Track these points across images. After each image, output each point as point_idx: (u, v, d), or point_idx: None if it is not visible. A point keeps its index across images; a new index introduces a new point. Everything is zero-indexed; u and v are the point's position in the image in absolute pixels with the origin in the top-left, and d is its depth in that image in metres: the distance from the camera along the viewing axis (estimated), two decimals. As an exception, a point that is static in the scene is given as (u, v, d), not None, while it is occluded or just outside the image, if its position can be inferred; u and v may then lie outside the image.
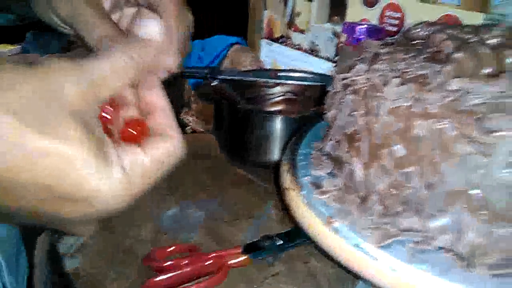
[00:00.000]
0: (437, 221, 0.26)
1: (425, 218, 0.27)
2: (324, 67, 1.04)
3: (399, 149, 0.27)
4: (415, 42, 0.36)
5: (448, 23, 0.76)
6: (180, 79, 1.01)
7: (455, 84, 0.26)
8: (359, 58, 0.34)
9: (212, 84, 0.63)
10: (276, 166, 0.41)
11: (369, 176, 0.30)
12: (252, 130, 0.69)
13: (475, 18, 0.73)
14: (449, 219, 0.26)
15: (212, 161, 0.72)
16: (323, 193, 0.32)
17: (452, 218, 0.26)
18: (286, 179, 0.36)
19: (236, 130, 0.72)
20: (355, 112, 0.31)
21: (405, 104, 0.27)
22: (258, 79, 0.78)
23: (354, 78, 0.31)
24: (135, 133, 0.23)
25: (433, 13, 0.79)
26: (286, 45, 1.17)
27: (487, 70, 0.28)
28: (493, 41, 0.31)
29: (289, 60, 1.17)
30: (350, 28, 0.85)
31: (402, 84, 0.28)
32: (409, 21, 0.83)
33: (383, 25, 0.88)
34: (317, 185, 0.34)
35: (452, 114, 0.25)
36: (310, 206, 0.32)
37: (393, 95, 0.28)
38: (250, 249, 0.42)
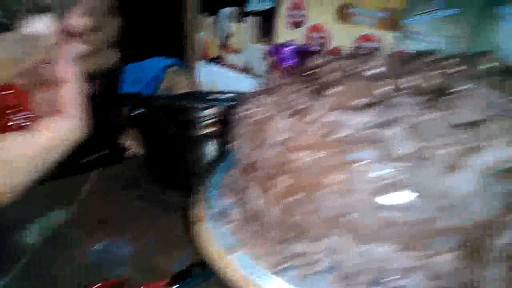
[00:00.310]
0: (322, 244, 0.28)
1: (312, 242, 0.29)
2: (258, 84, 1.06)
3: (286, 179, 0.29)
4: (312, 72, 0.38)
5: (366, 42, 0.81)
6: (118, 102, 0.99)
7: (329, 117, 0.28)
8: (258, 90, 0.36)
9: (131, 114, 0.63)
10: (190, 195, 0.42)
11: (265, 204, 0.31)
12: (182, 155, 0.70)
13: (390, 36, 0.79)
14: (331, 242, 0.28)
15: (144, 189, 0.71)
16: (227, 223, 0.33)
17: (334, 241, 0.28)
18: (196, 209, 0.37)
19: (166, 156, 0.72)
20: (251, 144, 0.32)
21: (289, 136, 0.29)
22: (187, 103, 0.79)
23: (249, 111, 0.33)
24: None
25: (352, 33, 0.84)
26: (222, 65, 1.19)
27: (361, 101, 0.30)
28: (373, 71, 0.34)
29: (226, 80, 1.18)
30: (277, 49, 0.88)
31: (288, 117, 0.30)
32: (332, 41, 0.88)
33: (309, 45, 0.92)
34: (222, 215, 0.35)
35: (325, 145, 0.27)
36: (214, 236, 0.33)
37: (279, 129, 0.30)
38: (178, 279, 0.42)
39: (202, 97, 0.83)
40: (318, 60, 0.39)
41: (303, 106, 0.31)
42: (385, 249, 0.27)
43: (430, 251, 0.26)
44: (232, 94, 0.89)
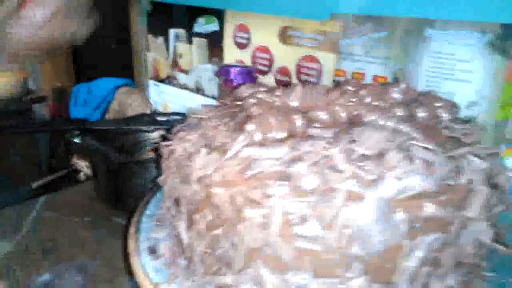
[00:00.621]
0: (245, 276, 0.29)
1: (236, 274, 0.30)
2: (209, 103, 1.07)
3: (208, 214, 0.30)
4: (237, 104, 0.39)
5: (309, 62, 0.84)
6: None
7: (246, 152, 0.30)
8: (184, 125, 0.37)
9: (73, 142, 0.62)
10: (126, 227, 0.42)
11: (191, 239, 0.32)
12: (127, 180, 0.69)
13: (329, 58, 0.82)
14: (254, 273, 0.29)
15: (92, 215, 0.70)
16: (157, 257, 0.33)
17: (256, 271, 0.29)
18: (129, 244, 0.37)
19: (112, 181, 0.71)
20: (176, 179, 0.33)
21: (208, 172, 0.30)
22: (131, 126, 0.78)
23: (175, 146, 0.34)
24: None
25: (296, 54, 0.87)
26: (173, 85, 1.19)
27: (278, 135, 0.32)
28: (293, 104, 0.36)
29: (177, 100, 1.19)
30: (225, 70, 0.90)
31: (209, 153, 0.31)
32: (277, 62, 0.91)
33: (255, 65, 0.94)
34: (153, 249, 0.35)
35: (242, 181, 0.29)
36: (145, 271, 0.33)
37: (200, 165, 0.31)
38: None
39: (149, 120, 0.83)
40: (244, 91, 0.41)
41: (223, 142, 0.32)
42: (302, 277, 0.28)
43: (343, 277, 0.28)
44: (180, 116, 0.89)
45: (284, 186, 0.27)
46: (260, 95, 0.38)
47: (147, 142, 0.80)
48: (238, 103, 0.39)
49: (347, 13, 0.77)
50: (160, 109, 1.23)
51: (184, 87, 1.16)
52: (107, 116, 1.27)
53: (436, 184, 0.27)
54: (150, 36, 1.21)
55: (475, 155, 0.30)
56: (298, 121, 0.33)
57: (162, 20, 1.17)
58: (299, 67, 0.88)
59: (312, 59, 0.85)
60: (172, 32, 1.14)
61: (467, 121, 0.36)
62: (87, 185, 0.78)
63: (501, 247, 0.33)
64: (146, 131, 0.80)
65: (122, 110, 1.26)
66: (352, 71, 0.80)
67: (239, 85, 0.85)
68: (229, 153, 0.30)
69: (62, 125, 0.76)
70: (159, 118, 0.87)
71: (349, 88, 0.39)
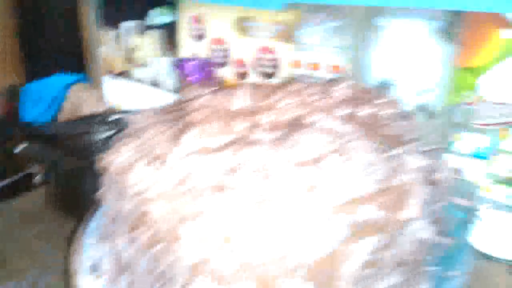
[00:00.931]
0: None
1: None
2: (169, 99, 1.05)
3: (145, 231, 0.29)
4: (181, 108, 0.38)
5: (266, 53, 0.83)
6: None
7: (184, 163, 0.29)
8: (122, 134, 0.36)
9: (15, 152, 0.59)
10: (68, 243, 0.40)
11: (131, 256, 0.31)
12: (80, 185, 0.66)
13: (286, 48, 0.81)
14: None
15: (45, 223, 0.66)
16: (98, 277, 0.32)
17: (198, 286, 0.28)
18: (71, 261, 0.36)
19: (64, 187, 0.68)
20: (114, 193, 0.32)
21: (144, 187, 0.29)
22: (82, 129, 0.75)
23: (112, 158, 0.32)
24: None
25: (252, 45, 0.85)
26: (129, 80, 1.15)
27: (219, 141, 0.31)
28: (237, 106, 0.35)
29: (135, 95, 1.15)
30: (180, 64, 0.87)
31: (145, 166, 0.30)
32: (234, 53, 0.89)
33: (212, 57, 0.92)
34: (94, 267, 0.34)
35: (179, 195, 0.27)
36: (87, 290, 0.32)
37: (136, 179, 0.29)
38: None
39: (101, 120, 0.79)
40: (188, 94, 0.39)
41: (162, 152, 0.31)
42: (246, 289, 0.27)
43: (287, 286, 0.27)
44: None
45: (221, 199, 0.26)
46: (203, 98, 0.36)
47: (99, 144, 0.77)
48: (181, 106, 0.37)
49: (302, 2, 0.76)
50: (117, 106, 1.19)
51: (140, 81, 1.13)
52: (61, 115, 1.22)
53: (374, 186, 0.27)
54: (101, 29, 1.16)
55: (414, 153, 0.30)
56: (240, 126, 0.33)
57: (113, 12, 1.12)
58: (256, 59, 0.86)
59: (269, 50, 0.84)
60: (124, 24, 1.10)
61: (407, 115, 0.36)
62: (39, 192, 0.74)
63: (444, 240, 0.34)
64: (97, 132, 0.76)
65: (77, 108, 1.21)
66: (308, 61, 0.80)
67: (197, 78, 0.83)
68: (166, 166, 0.29)
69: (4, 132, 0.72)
70: (112, 117, 0.84)
71: (295, 87, 0.39)
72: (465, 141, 0.66)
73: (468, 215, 0.58)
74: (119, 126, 0.78)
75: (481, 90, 0.61)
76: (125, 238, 0.31)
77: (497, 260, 0.53)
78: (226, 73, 0.90)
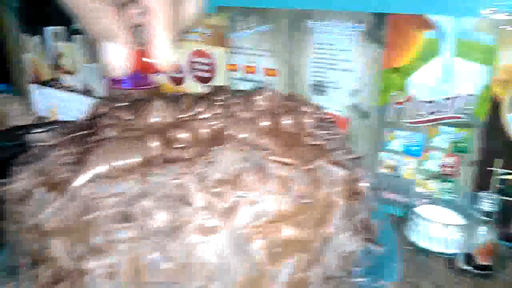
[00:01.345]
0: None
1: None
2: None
3: (47, 267, 0.26)
4: (89, 126, 0.35)
5: (200, 57, 0.80)
6: None
7: (87, 190, 0.26)
8: (25, 156, 0.32)
9: None
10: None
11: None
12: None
13: (220, 52, 0.79)
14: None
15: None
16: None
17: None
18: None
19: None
20: (11, 225, 0.28)
21: (43, 218, 0.25)
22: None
23: (7, 186, 0.28)
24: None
25: (185, 49, 0.83)
26: (57, 88, 1.08)
27: (127, 164, 0.28)
28: (150, 122, 0.32)
29: (66, 103, 1.08)
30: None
31: (46, 192, 0.27)
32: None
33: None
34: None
35: (78, 227, 0.25)
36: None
37: (34, 208, 0.26)
38: None
39: (21, 134, 0.73)
40: (100, 108, 0.36)
41: (63, 177, 0.28)
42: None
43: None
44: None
45: (129, 229, 0.24)
46: (117, 113, 0.33)
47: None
48: (91, 122, 0.34)
49: (232, 6, 0.74)
50: (48, 115, 1.11)
51: (71, 89, 1.06)
52: (-16, 129, 1.12)
53: (293, 203, 0.26)
54: (24, 35, 1.08)
55: (335, 164, 0.29)
56: (155, 143, 0.30)
57: (35, 16, 1.05)
58: (190, 63, 0.84)
59: (203, 54, 0.82)
60: (48, 30, 1.03)
61: (331, 121, 0.35)
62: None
63: (373, 247, 0.33)
64: (20, 145, 0.70)
65: (1, 120, 1.12)
66: (243, 65, 0.79)
67: (128, 85, 0.79)
68: (67, 194, 0.26)
69: None
70: (35, 130, 0.78)
71: (218, 97, 0.37)
72: (397, 139, 0.67)
73: (406, 211, 0.59)
74: (24, 145, 0.72)
75: (410, 89, 0.63)
76: (27, 275, 0.27)
77: (436, 254, 0.54)
78: (161, 79, 0.86)
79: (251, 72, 0.78)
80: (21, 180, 0.28)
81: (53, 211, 0.25)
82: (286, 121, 0.33)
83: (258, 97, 0.35)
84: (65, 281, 0.25)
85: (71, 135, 0.33)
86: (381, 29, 0.62)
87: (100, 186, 0.26)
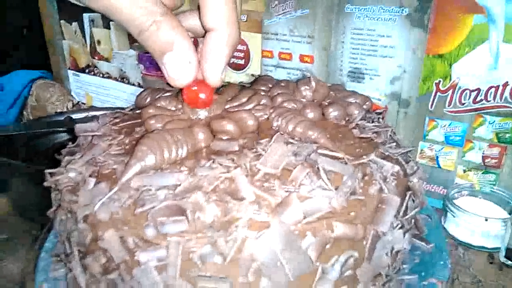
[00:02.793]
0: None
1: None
2: (137, 93, 1.01)
3: (99, 257, 0.26)
4: (136, 116, 0.35)
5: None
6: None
7: (136, 182, 0.26)
8: (74, 145, 0.32)
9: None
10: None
11: (88, 282, 0.28)
12: (43, 189, 0.62)
13: (255, 38, 0.78)
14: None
15: (9, 231, 0.63)
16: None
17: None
18: (27, 283, 0.33)
19: (26, 192, 0.64)
20: (65, 214, 0.29)
21: (95, 209, 0.26)
22: (41, 129, 0.70)
23: (58, 176, 0.29)
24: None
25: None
26: (94, 74, 1.10)
27: (177, 155, 0.28)
28: (196, 115, 0.32)
29: (102, 90, 1.10)
30: (146, 57, 0.83)
31: (96, 184, 0.27)
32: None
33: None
34: (50, 292, 0.31)
35: (131, 219, 0.25)
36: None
37: (86, 199, 0.26)
38: None
39: (63, 120, 0.75)
40: (144, 98, 0.36)
41: (114, 168, 0.28)
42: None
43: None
44: (102, 112, 0.82)
45: (180, 222, 0.24)
46: (161, 103, 0.33)
47: (61, 145, 0.72)
48: (138, 112, 0.34)
49: (269, -10, 0.73)
50: (84, 101, 1.14)
51: (106, 75, 1.08)
52: (24, 114, 1.17)
53: (344, 199, 0.25)
54: (63, 22, 1.10)
55: (386, 158, 0.28)
56: (200, 135, 0.30)
57: (73, 3, 1.06)
58: (225, 49, 0.83)
59: (237, 40, 0.81)
60: (86, 16, 1.04)
61: (379, 113, 0.34)
62: (2, 199, 0.70)
63: (422, 244, 0.32)
64: (58, 132, 0.72)
65: (41, 106, 1.15)
66: (278, 51, 0.77)
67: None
68: (118, 184, 0.26)
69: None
70: (75, 116, 0.80)
71: (261, 87, 0.36)
72: (438, 129, 0.65)
73: (445, 204, 0.58)
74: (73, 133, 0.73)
75: (454, 77, 0.60)
76: (79, 263, 0.28)
77: (476, 248, 0.53)
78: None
79: (286, 59, 0.77)
80: (73, 170, 0.29)
81: (106, 202, 0.26)
82: (333, 113, 0.32)
83: (303, 88, 0.34)
84: (116, 271, 0.26)
85: (118, 125, 0.33)
86: (426, 13, 0.60)
87: (150, 178, 0.26)
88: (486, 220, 0.52)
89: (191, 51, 0.26)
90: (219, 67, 0.27)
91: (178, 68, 0.26)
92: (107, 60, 1.06)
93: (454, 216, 0.56)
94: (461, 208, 0.55)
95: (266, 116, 0.32)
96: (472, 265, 0.51)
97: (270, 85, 0.36)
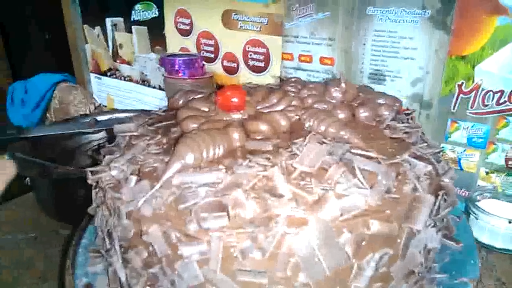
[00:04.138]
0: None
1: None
2: (158, 96, 1.03)
3: (142, 251, 0.27)
4: (171, 117, 0.36)
5: (254, 46, 0.81)
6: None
7: (177, 180, 0.27)
8: (112, 145, 0.34)
9: (7, 158, 0.57)
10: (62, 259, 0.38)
11: (128, 276, 0.29)
12: (70, 189, 0.64)
13: (275, 41, 0.79)
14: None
15: (37, 229, 0.64)
16: (94, 296, 0.30)
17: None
18: (65, 279, 0.34)
19: (53, 192, 0.66)
20: (106, 210, 0.30)
21: (139, 205, 0.27)
22: (67, 130, 0.72)
23: (100, 174, 0.30)
24: None
25: (241, 39, 0.83)
26: (116, 77, 1.12)
27: (214, 154, 0.29)
28: (230, 117, 0.33)
29: (123, 93, 1.12)
30: (168, 61, 0.85)
31: (138, 181, 0.28)
32: (222, 47, 0.87)
33: (201, 52, 0.90)
34: (89, 285, 0.32)
35: (173, 215, 0.26)
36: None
37: (130, 196, 0.28)
38: None
39: (88, 121, 0.77)
40: (177, 100, 0.38)
41: (154, 166, 0.29)
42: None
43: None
44: (125, 114, 0.84)
45: (221, 218, 0.25)
46: (194, 104, 0.34)
47: (87, 146, 0.74)
48: (172, 113, 0.36)
49: (290, -6, 0.74)
50: (105, 104, 1.16)
51: (128, 79, 1.10)
52: (48, 116, 1.19)
53: (380, 198, 0.26)
54: (86, 26, 1.13)
55: (418, 158, 0.29)
56: (235, 134, 0.31)
57: (97, 8, 1.09)
58: (245, 52, 0.84)
59: (258, 43, 0.82)
60: (109, 21, 1.07)
61: (408, 114, 0.34)
62: (29, 197, 0.72)
63: (452, 244, 0.33)
64: (86, 133, 0.74)
65: (64, 108, 1.18)
66: (298, 54, 0.78)
67: (185, 75, 0.81)
68: (160, 182, 0.27)
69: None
70: (100, 118, 0.82)
71: (290, 88, 0.37)
72: (461, 130, 0.65)
73: (468, 206, 0.57)
74: (109, 133, 0.75)
75: (477, 78, 0.60)
76: (120, 257, 0.29)
77: (499, 250, 0.53)
78: (216, 68, 0.88)
79: (307, 61, 0.78)
80: (115, 168, 0.30)
81: (148, 198, 0.27)
82: (364, 114, 0.32)
83: (333, 89, 0.34)
84: (158, 265, 0.27)
85: (154, 125, 0.34)
86: (449, 14, 0.60)
87: (191, 176, 0.27)
88: (510, 222, 0.52)
89: None
90: None
91: None
92: (128, 63, 1.08)
93: (477, 219, 0.56)
94: (484, 210, 0.55)
95: (297, 117, 0.33)
96: (496, 267, 0.51)
97: (299, 87, 0.37)
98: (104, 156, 0.32)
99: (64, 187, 0.64)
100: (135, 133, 0.33)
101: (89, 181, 0.31)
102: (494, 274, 0.49)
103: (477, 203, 0.57)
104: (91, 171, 0.32)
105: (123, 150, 0.31)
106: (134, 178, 0.28)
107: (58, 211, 0.65)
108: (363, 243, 0.25)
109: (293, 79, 0.37)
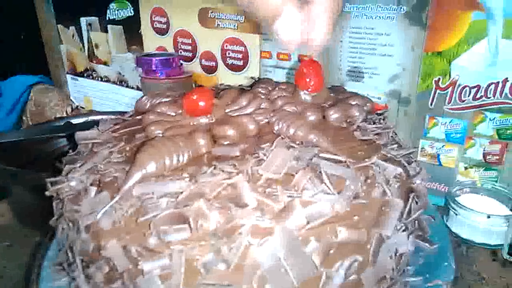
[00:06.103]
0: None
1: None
2: (136, 96, 1.01)
3: (102, 266, 0.26)
4: (136, 122, 0.35)
5: (232, 45, 0.80)
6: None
7: (137, 191, 0.26)
8: (74, 153, 0.32)
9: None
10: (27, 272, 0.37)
11: (91, 291, 0.28)
12: (44, 196, 0.62)
13: (253, 39, 0.78)
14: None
15: (11, 238, 0.62)
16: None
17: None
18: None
19: (27, 199, 0.64)
20: (67, 224, 0.28)
21: (98, 218, 0.26)
22: (39, 135, 0.70)
23: (62, 184, 0.29)
24: None
25: (218, 37, 0.82)
26: (92, 78, 1.10)
27: (178, 162, 0.28)
28: (196, 121, 0.32)
29: (100, 94, 1.10)
30: (144, 61, 0.83)
31: (98, 192, 0.27)
32: (200, 46, 0.85)
33: (179, 51, 0.88)
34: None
35: (133, 228, 0.25)
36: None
37: (89, 208, 0.26)
38: None
39: (62, 125, 0.75)
40: (144, 104, 0.36)
41: (115, 176, 0.28)
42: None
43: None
44: (101, 116, 0.82)
45: (182, 230, 0.24)
46: (161, 108, 0.33)
47: (61, 151, 0.72)
48: (138, 118, 0.34)
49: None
50: (82, 105, 1.14)
51: (105, 79, 1.08)
52: (24, 119, 1.16)
53: (348, 203, 0.25)
54: (60, 26, 1.10)
55: (388, 160, 0.28)
56: (201, 140, 0.30)
57: (70, 7, 1.06)
58: (224, 51, 0.83)
59: (236, 41, 0.81)
60: (83, 20, 1.04)
61: (380, 114, 0.34)
62: (3, 204, 0.69)
63: (426, 245, 0.32)
64: (58, 138, 0.72)
65: (40, 111, 1.15)
66: (277, 52, 0.77)
67: (163, 74, 0.79)
68: (120, 193, 0.26)
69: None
70: (75, 121, 0.80)
71: (261, 90, 0.36)
72: (439, 126, 0.65)
73: (447, 201, 0.57)
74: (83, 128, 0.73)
75: (453, 74, 0.60)
76: (81, 272, 0.28)
77: (479, 245, 0.53)
78: (195, 67, 0.86)
79: (285, 59, 0.77)
80: (74, 179, 0.28)
81: (108, 211, 0.26)
82: (334, 115, 0.32)
83: (302, 91, 0.34)
84: (119, 281, 0.25)
85: (118, 132, 0.33)
86: (424, 10, 0.59)
87: (152, 186, 0.26)
88: (489, 217, 0.52)
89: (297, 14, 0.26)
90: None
91: (288, 31, 0.26)
92: (105, 63, 1.05)
93: (456, 214, 0.56)
94: (463, 205, 0.55)
95: (266, 120, 0.32)
96: (475, 263, 0.51)
97: (270, 88, 0.36)
98: (65, 165, 0.30)
99: (39, 194, 0.62)
100: (97, 140, 0.32)
101: (48, 193, 0.30)
102: (474, 269, 0.49)
103: (456, 198, 0.56)
104: (51, 182, 0.30)
105: (84, 159, 0.30)
106: (93, 189, 0.27)
107: (32, 219, 0.63)
108: (331, 251, 0.25)
109: (264, 80, 0.36)
